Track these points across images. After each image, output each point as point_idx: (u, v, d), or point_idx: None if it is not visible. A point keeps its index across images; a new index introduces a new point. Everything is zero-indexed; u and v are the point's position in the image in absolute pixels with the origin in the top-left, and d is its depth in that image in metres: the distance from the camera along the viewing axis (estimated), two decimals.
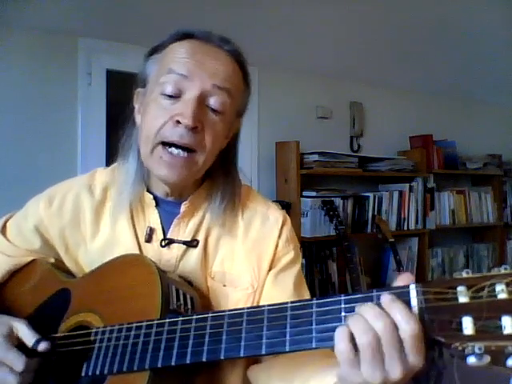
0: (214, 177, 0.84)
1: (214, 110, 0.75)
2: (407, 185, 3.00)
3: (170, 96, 0.73)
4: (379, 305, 0.51)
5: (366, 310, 0.51)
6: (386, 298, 0.51)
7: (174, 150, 0.73)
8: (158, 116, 0.73)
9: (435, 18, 2.23)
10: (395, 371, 0.49)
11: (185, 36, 0.77)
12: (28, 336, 0.70)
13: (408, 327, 0.48)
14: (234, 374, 0.78)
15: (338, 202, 2.70)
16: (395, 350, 0.49)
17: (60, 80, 2.17)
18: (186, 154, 0.73)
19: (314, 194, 2.65)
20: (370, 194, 2.88)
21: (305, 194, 2.66)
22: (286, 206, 2.51)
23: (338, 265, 2.71)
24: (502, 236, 3.57)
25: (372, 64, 2.81)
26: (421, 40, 2.51)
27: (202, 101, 0.73)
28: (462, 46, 2.60)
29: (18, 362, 0.67)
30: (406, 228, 2.99)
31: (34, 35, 2.10)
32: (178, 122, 0.72)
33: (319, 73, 2.89)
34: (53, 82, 2.16)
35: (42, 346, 0.69)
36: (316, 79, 2.92)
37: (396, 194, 2.97)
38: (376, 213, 2.87)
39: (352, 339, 0.50)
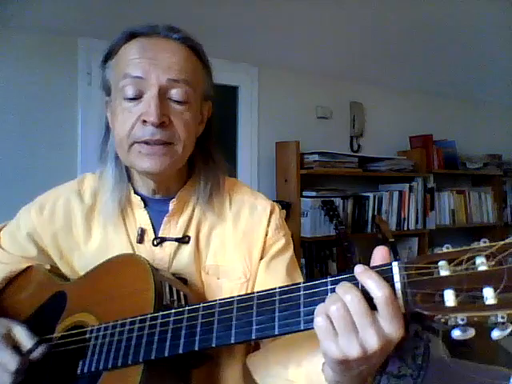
0: (196, 165, 0.85)
1: (177, 102, 0.75)
2: (407, 185, 3.00)
3: (132, 98, 0.74)
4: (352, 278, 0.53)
5: (339, 286, 0.53)
6: (358, 268, 0.53)
7: (150, 143, 0.74)
8: (126, 120, 0.74)
9: (435, 18, 2.23)
10: (371, 341, 0.51)
11: (132, 36, 0.77)
12: (25, 338, 0.72)
13: (380, 293, 0.50)
14: (232, 366, 0.79)
15: (338, 201, 2.70)
16: (366, 319, 0.50)
17: (60, 80, 2.17)
18: (163, 145, 0.74)
19: (313, 194, 2.65)
20: (370, 194, 2.88)
21: (305, 194, 2.66)
22: (286, 206, 2.51)
23: (338, 265, 2.71)
24: (501, 236, 3.43)
25: (372, 64, 2.81)
26: (421, 40, 2.51)
27: (163, 96, 0.74)
28: (462, 45, 2.60)
29: (12, 361, 0.69)
30: (405, 228, 2.99)
31: (34, 35, 2.10)
32: (145, 121, 0.73)
33: (319, 73, 2.89)
34: (53, 82, 2.16)
35: (40, 350, 0.71)
36: (316, 79, 2.92)
37: (396, 194, 2.97)
38: (376, 213, 2.87)
39: (328, 316, 0.52)
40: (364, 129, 3.12)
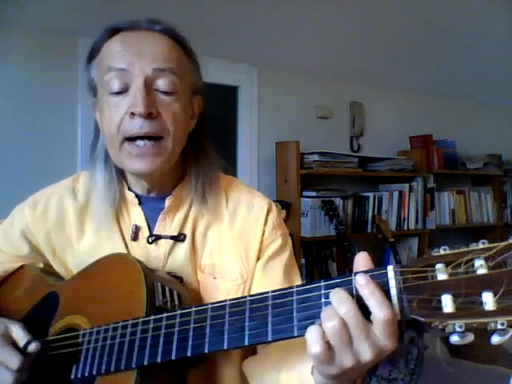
0: (188, 160, 0.84)
1: (164, 92, 0.74)
2: (407, 185, 3.00)
3: (118, 92, 0.73)
4: (350, 289, 0.51)
5: (333, 294, 0.51)
6: (360, 279, 0.50)
7: (140, 142, 0.73)
8: (113, 115, 0.73)
9: (435, 18, 2.23)
10: (365, 353, 0.50)
11: (114, 31, 0.77)
12: (20, 337, 0.71)
13: (381, 314, 0.48)
14: (228, 367, 0.78)
15: (338, 202, 2.70)
16: (362, 333, 0.49)
17: (60, 80, 2.17)
18: (152, 142, 0.73)
19: (313, 194, 2.65)
20: (370, 194, 2.88)
21: (305, 194, 2.66)
22: (286, 206, 2.51)
23: (338, 265, 2.71)
24: (501, 236, 3.56)
25: (372, 64, 2.81)
26: (421, 40, 2.51)
27: (149, 86, 0.72)
28: (462, 46, 2.60)
29: (14, 359, 0.68)
30: (406, 228, 2.99)
31: (34, 35, 2.10)
32: (133, 113, 0.71)
33: (319, 73, 2.89)
34: (53, 81, 2.16)
35: (32, 347, 0.70)
36: (316, 79, 2.92)
37: (396, 194, 2.97)
38: (376, 213, 2.87)
39: (326, 340, 0.50)
40: (364, 129, 3.12)
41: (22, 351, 0.69)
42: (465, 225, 3.38)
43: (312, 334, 0.51)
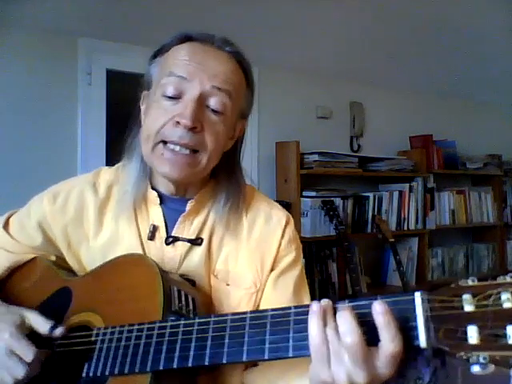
0: (219, 177, 0.85)
1: (214, 111, 0.75)
2: (407, 185, 3.00)
3: (171, 97, 0.74)
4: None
5: (342, 321, 0.52)
6: (379, 307, 0.51)
7: (175, 147, 0.74)
8: (159, 117, 0.74)
9: (435, 18, 2.23)
10: (359, 378, 0.50)
11: (186, 38, 0.78)
12: (42, 323, 0.71)
13: (391, 347, 0.49)
14: (235, 375, 0.78)
15: (338, 201, 2.70)
16: (362, 362, 0.50)
17: (60, 80, 2.17)
18: (188, 151, 0.74)
19: (313, 194, 2.65)
20: (370, 194, 2.88)
21: (305, 194, 2.66)
22: (286, 206, 2.50)
23: (338, 265, 2.71)
24: (502, 236, 3.57)
25: (372, 64, 2.81)
26: (421, 40, 2.51)
27: (201, 102, 0.74)
28: (463, 46, 2.60)
29: (29, 352, 0.67)
30: (406, 228, 2.99)
31: (34, 35, 2.10)
32: (178, 122, 0.72)
33: (319, 73, 2.89)
34: (53, 82, 2.15)
35: (58, 332, 0.70)
36: (316, 79, 2.91)
37: (396, 194, 2.97)
38: (376, 213, 2.87)
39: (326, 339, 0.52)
40: (364, 129, 3.12)
41: (38, 343, 0.69)
42: (465, 225, 3.38)
43: (314, 328, 0.52)
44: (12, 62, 2.07)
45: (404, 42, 2.52)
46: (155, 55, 0.81)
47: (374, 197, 2.88)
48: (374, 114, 3.16)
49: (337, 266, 2.72)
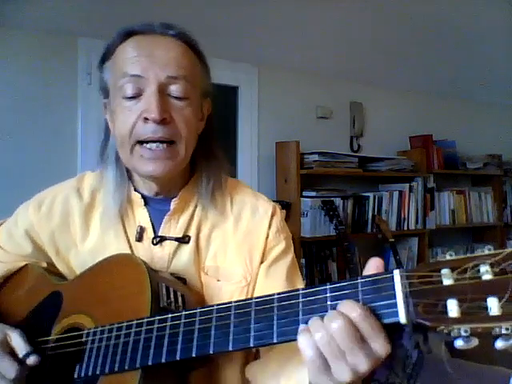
0: (198, 165, 0.85)
1: (176, 98, 0.75)
2: (407, 185, 3.00)
3: (132, 97, 0.74)
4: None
5: (328, 315, 0.52)
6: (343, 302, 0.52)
7: (152, 145, 0.74)
8: (126, 118, 0.74)
9: (435, 18, 2.23)
10: (361, 365, 0.50)
11: (128, 34, 0.77)
12: (20, 346, 0.71)
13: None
14: (230, 369, 0.78)
15: (338, 201, 2.70)
16: (355, 346, 0.50)
17: (60, 80, 2.17)
18: (164, 145, 0.74)
19: (313, 194, 2.65)
20: (370, 194, 2.88)
21: (305, 194, 2.66)
22: (286, 206, 2.51)
23: (338, 265, 2.71)
24: (502, 236, 3.56)
25: (372, 64, 2.81)
26: (421, 40, 2.51)
27: (162, 92, 0.74)
28: (462, 46, 2.60)
29: (11, 369, 0.68)
30: (406, 228, 2.99)
31: (34, 35, 2.10)
32: (146, 118, 0.73)
33: (319, 73, 2.89)
34: (53, 82, 2.15)
35: (31, 360, 0.70)
36: (316, 79, 2.91)
37: (396, 194, 2.97)
38: (376, 213, 2.87)
39: (317, 347, 0.51)
40: (364, 129, 3.12)
41: (20, 361, 0.69)
42: (465, 225, 3.38)
43: (303, 339, 0.52)
44: (12, 62, 2.07)
45: (404, 42, 2.52)
46: (103, 60, 0.80)
47: (374, 197, 2.88)
48: (374, 114, 3.16)
49: (337, 266, 2.72)
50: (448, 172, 3.28)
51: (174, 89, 0.74)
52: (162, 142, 0.74)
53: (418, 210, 3.03)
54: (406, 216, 2.99)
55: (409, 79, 3.10)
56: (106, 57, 0.80)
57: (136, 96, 0.74)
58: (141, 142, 0.74)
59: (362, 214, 2.83)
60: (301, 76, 2.86)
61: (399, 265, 2.65)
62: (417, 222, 3.02)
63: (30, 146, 2.10)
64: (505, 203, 3.65)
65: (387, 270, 0.53)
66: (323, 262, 2.71)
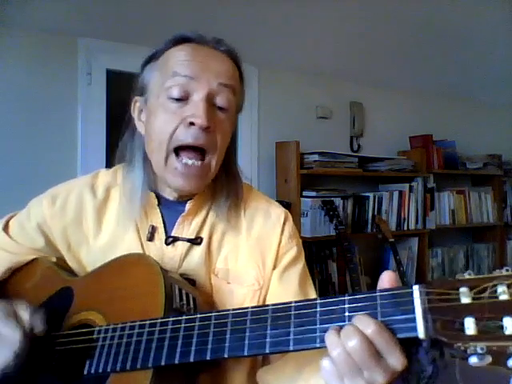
0: (217, 175, 0.85)
1: (220, 109, 0.76)
2: (407, 185, 3.00)
3: (178, 99, 0.74)
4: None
5: (344, 330, 0.52)
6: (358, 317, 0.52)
7: (188, 161, 0.74)
8: (169, 120, 0.74)
9: (435, 18, 2.23)
10: (378, 379, 0.51)
11: (182, 40, 0.78)
12: (25, 316, 0.70)
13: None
14: (238, 371, 0.78)
15: (338, 202, 2.70)
16: (371, 363, 0.50)
17: (60, 80, 2.17)
18: (199, 163, 0.75)
19: (313, 194, 2.65)
20: (370, 194, 2.88)
21: (305, 194, 2.66)
22: (286, 206, 2.48)
23: (338, 265, 2.71)
24: (502, 236, 3.57)
25: (372, 64, 2.81)
26: (421, 40, 2.51)
27: (210, 100, 0.74)
28: (462, 46, 2.60)
29: (14, 334, 0.67)
30: (406, 228, 2.99)
31: (34, 35, 2.10)
32: (192, 123, 0.73)
33: (319, 73, 2.89)
34: (53, 82, 2.15)
35: (38, 328, 0.69)
36: (316, 79, 2.91)
37: (396, 194, 2.97)
38: (376, 213, 2.87)
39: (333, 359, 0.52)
40: (364, 129, 3.12)
41: (25, 331, 0.68)
42: (465, 225, 3.38)
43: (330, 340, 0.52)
44: (12, 62, 2.07)
45: (404, 42, 2.52)
46: (149, 60, 0.81)
47: (374, 197, 2.88)
48: (374, 114, 3.17)
49: (337, 266, 2.72)
50: (448, 172, 3.28)
51: (220, 99, 0.76)
52: (195, 149, 0.74)
53: (417, 210, 3.03)
54: (406, 216, 2.99)
55: (409, 79, 3.10)
56: (153, 57, 0.80)
57: (182, 99, 0.74)
58: (177, 152, 0.75)
59: (361, 214, 2.83)
60: (301, 76, 2.86)
61: (399, 265, 2.65)
62: (417, 222, 3.02)
63: (30, 146, 2.10)
64: (505, 203, 3.65)
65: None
66: (323, 262, 2.71)
